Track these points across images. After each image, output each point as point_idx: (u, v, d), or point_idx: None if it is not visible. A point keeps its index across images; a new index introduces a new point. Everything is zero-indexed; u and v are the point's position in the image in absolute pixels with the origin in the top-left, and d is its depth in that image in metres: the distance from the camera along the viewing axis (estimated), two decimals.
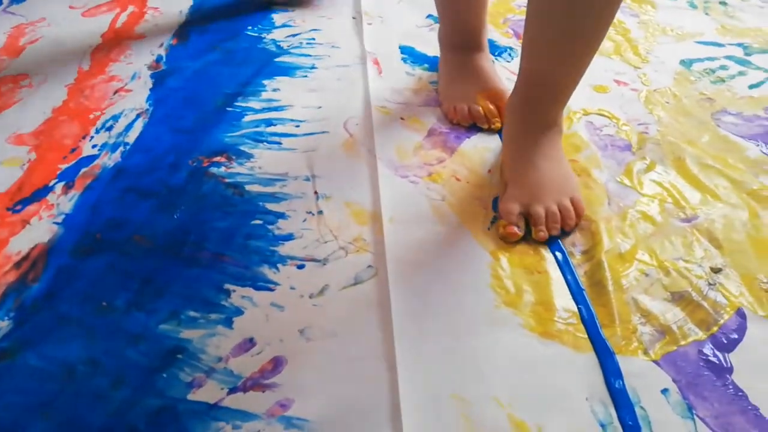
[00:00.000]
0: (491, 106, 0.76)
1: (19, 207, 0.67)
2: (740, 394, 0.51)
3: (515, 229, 0.63)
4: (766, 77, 0.86)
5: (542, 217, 0.64)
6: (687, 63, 0.89)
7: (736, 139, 0.75)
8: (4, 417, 0.49)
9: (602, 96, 0.83)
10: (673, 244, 0.63)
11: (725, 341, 0.54)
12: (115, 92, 0.84)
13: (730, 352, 0.54)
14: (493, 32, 0.94)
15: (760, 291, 0.58)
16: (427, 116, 0.79)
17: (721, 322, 0.56)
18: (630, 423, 0.48)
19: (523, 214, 0.64)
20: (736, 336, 0.55)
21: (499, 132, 0.76)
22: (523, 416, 0.49)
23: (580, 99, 0.80)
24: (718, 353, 0.53)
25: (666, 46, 0.92)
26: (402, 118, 0.79)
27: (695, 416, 0.49)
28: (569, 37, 0.61)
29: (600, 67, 0.87)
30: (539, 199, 0.64)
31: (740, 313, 0.57)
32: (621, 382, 0.51)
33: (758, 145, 0.75)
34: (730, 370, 0.52)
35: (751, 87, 0.84)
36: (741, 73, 0.87)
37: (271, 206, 0.67)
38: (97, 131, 0.77)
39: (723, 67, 0.88)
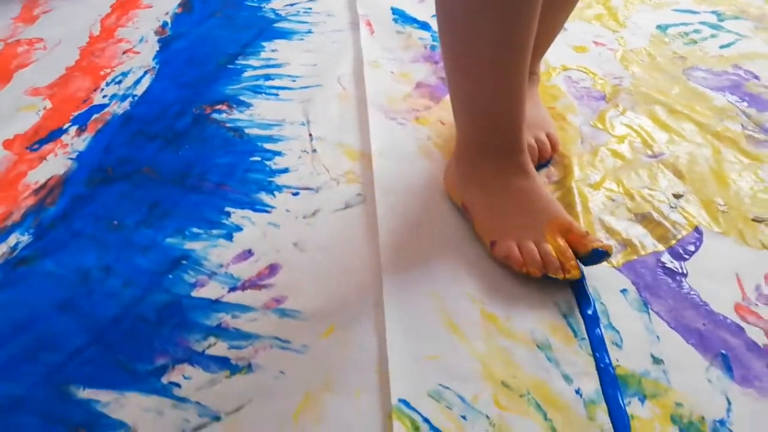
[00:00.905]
0: (562, 243, 0.57)
1: (36, 146, 0.74)
2: (692, 293, 0.57)
3: None
4: (736, 39, 0.93)
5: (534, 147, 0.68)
6: (663, 27, 0.96)
7: (704, 91, 0.82)
8: (26, 312, 0.56)
9: (581, 55, 0.90)
10: (640, 175, 0.70)
11: (682, 252, 0.61)
12: (124, 53, 0.91)
13: (686, 261, 0.60)
14: None
15: (717, 212, 0.65)
16: (416, 71, 0.86)
17: (679, 237, 0.62)
18: (589, 314, 0.55)
19: None
20: (692, 248, 0.61)
21: None
22: (493, 310, 0.56)
23: (559, 57, 0.87)
24: (674, 261, 0.60)
25: (643, 13, 0.99)
26: (392, 72, 0.86)
27: (650, 310, 0.55)
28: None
29: (580, 31, 0.94)
30: None
31: (698, 230, 0.63)
32: (584, 283, 0.57)
33: (725, 95, 0.81)
34: (684, 275, 0.59)
35: (722, 47, 0.91)
36: (713, 36, 0.94)
37: (268, 146, 0.74)
38: (108, 84, 0.85)
39: (696, 31, 0.95)
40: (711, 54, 0.90)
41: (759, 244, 0.62)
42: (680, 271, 0.59)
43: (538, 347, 0.53)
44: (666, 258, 0.60)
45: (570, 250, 0.57)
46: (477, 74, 0.57)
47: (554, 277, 0.56)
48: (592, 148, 0.73)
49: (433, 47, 0.91)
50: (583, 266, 0.57)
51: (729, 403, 0.49)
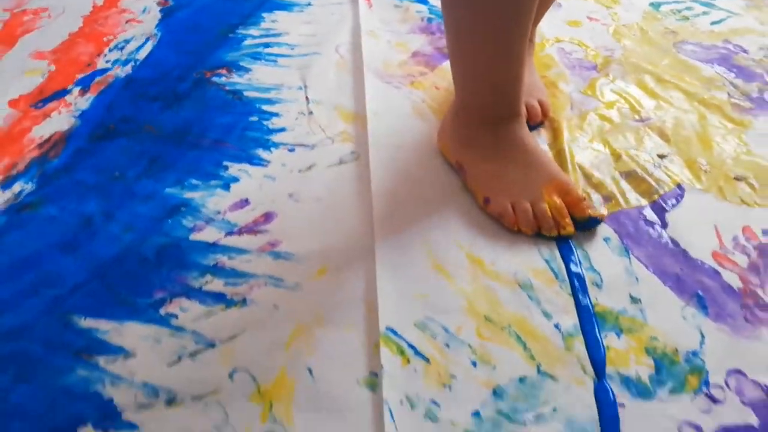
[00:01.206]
0: (559, 202, 0.60)
1: (40, 104, 0.77)
2: (672, 242, 0.60)
3: None
4: (727, 16, 0.95)
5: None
6: (656, 5, 0.99)
7: (694, 63, 0.85)
8: (29, 251, 0.59)
9: (575, 29, 0.92)
10: (626, 137, 0.72)
11: (664, 205, 0.63)
12: (127, 22, 0.94)
13: (667, 213, 0.62)
14: None
15: (699, 171, 0.67)
16: (413, 41, 0.89)
17: (662, 192, 0.65)
18: (572, 258, 0.57)
19: None
20: (674, 202, 0.64)
21: None
22: (480, 255, 0.58)
23: (553, 30, 0.90)
24: (656, 214, 0.62)
25: None
26: (389, 41, 0.88)
27: (630, 255, 0.58)
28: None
29: (574, 7, 0.97)
30: None
31: (680, 187, 0.66)
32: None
33: (713, 67, 0.84)
34: (665, 225, 0.61)
35: (713, 23, 0.94)
36: (705, 13, 0.96)
37: (266, 107, 0.77)
38: (110, 50, 0.87)
39: (688, 8, 0.98)
40: (702, 30, 0.92)
41: (738, 200, 0.64)
42: (661, 222, 0.62)
43: (521, 287, 0.55)
44: (648, 211, 0.63)
45: (566, 209, 0.59)
46: (480, 38, 0.58)
47: (547, 235, 0.59)
48: (581, 113, 0.76)
49: (429, 20, 0.94)
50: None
51: (702, 336, 0.51)
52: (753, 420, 0.46)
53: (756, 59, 0.86)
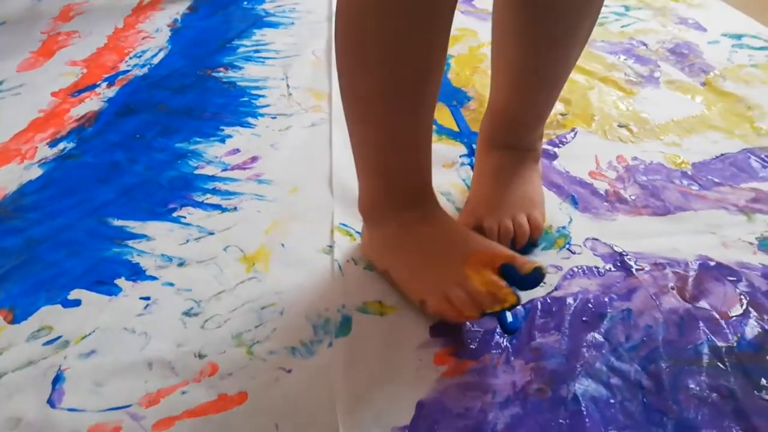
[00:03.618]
0: (488, 275, 0.56)
1: (76, 94, 1.00)
2: (559, 166, 0.81)
3: None
4: (636, 21, 1.19)
5: (494, 231, 0.65)
6: None
7: (600, 53, 1.08)
8: (72, 183, 0.80)
9: None
10: None
11: (557, 142, 0.85)
12: (143, 38, 1.19)
13: (559, 148, 0.84)
14: None
15: (591, 120, 0.89)
16: None
17: (560, 132, 0.87)
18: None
19: (476, 229, 0.66)
20: (566, 140, 0.85)
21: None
22: None
23: (489, 34, 1.14)
24: (550, 147, 0.84)
25: None
26: None
27: None
28: (530, 76, 0.65)
29: None
30: (492, 213, 0.66)
31: (573, 130, 0.87)
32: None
33: (617, 56, 1.07)
34: (555, 156, 0.83)
35: (623, 26, 1.18)
36: (617, 20, 1.20)
37: (255, 92, 1.00)
38: (131, 58, 1.11)
39: (604, 17, 1.22)
40: (612, 31, 1.16)
41: (618, 139, 0.86)
42: (552, 153, 0.83)
43: (442, 194, 0.76)
44: (546, 146, 0.84)
45: (498, 279, 0.55)
46: (371, 122, 0.56)
47: (493, 311, 0.55)
48: None
49: None
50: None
51: (571, 219, 0.72)
52: (600, 263, 0.66)
53: (653, 50, 1.09)
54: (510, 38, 0.63)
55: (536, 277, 0.56)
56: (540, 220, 0.68)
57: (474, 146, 0.84)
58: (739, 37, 1.11)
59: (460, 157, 0.83)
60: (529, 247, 0.68)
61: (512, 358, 0.57)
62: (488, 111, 0.73)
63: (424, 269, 0.59)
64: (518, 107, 0.69)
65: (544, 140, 0.85)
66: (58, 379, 0.56)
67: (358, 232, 0.71)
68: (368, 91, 0.54)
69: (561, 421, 0.52)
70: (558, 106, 0.93)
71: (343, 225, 0.72)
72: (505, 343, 0.58)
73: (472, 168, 0.81)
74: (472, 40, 1.12)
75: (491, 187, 0.70)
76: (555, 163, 0.82)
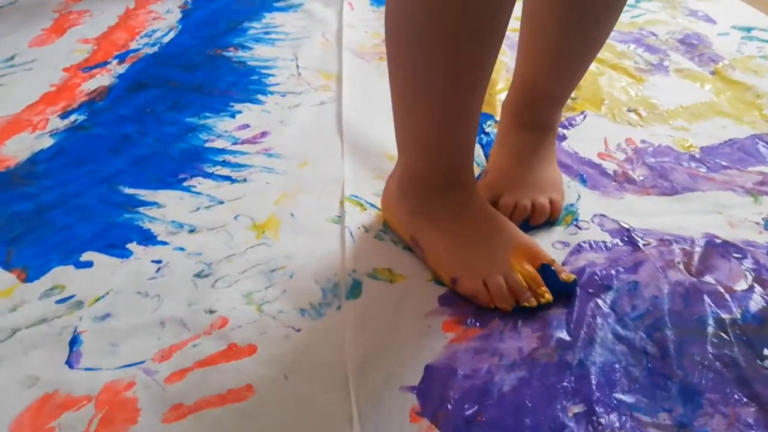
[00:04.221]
0: (531, 270, 0.59)
1: (87, 69, 1.02)
2: (568, 147, 0.82)
3: None
4: (646, 12, 1.21)
5: (509, 208, 0.66)
6: None
7: (610, 42, 1.09)
8: (84, 153, 0.82)
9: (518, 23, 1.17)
10: None
11: (567, 124, 0.86)
12: (154, 18, 1.20)
13: (568, 130, 0.85)
14: None
15: (601, 104, 0.91)
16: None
17: (568, 115, 0.88)
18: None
19: (491, 202, 0.65)
20: (576, 122, 0.87)
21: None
22: None
23: None
24: (559, 129, 0.85)
25: None
26: (365, 32, 1.14)
27: None
28: (561, 50, 0.65)
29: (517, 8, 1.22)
30: (512, 191, 0.67)
31: (583, 113, 0.89)
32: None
33: (627, 45, 1.09)
34: (564, 137, 0.84)
35: (633, 17, 1.19)
36: (627, 11, 1.22)
37: (265, 71, 1.02)
38: (141, 37, 1.13)
39: None
40: (623, 21, 1.17)
41: (626, 122, 0.87)
42: (561, 134, 0.84)
43: None
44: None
45: (539, 276, 0.58)
46: (430, 98, 0.55)
47: (527, 306, 0.57)
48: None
49: None
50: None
51: (579, 196, 0.73)
52: (607, 238, 0.68)
53: (663, 40, 1.10)
54: (552, 13, 0.63)
55: (572, 286, 0.60)
56: (560, 201, 0.69)
57: (485, 126, 0.86)
58: (748, 29, 1.13)
59: None
60: (544, 225, 0.69)
61: (519, 325, 0.58)
62: (514, 86, 0.73)
63: (462, 248, 0.60)
64: (550, 82, 0.69)
65: None
66: (75, 342, 0.57)
67: (369, 203, 0.72)
68: (431, 66, 0.52)
69: (566, 384, 0.53)
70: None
71: (354, 196, 0.73)
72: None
73: (482, 146, 0.82)
74: None
75: (513, 164, 0.70)
76: (564, 144, 0.83)
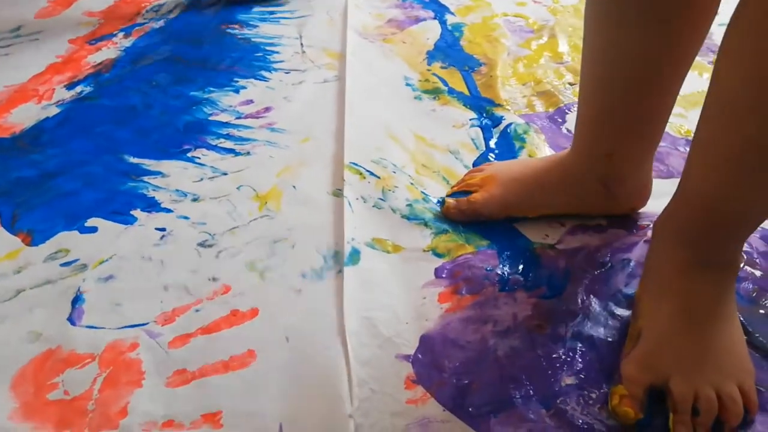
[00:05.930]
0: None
1: (93, 42, 1.02)
2: (567, 130, 0.83)
3: (633, 409, 0.48)
4: None
5: (687, 401, 0.47)
6: None
7: None
8: (90, 123, 0.82)
9: (521, 8, 1.18)
10: (547, 74, 0.96)
11: (565, 110, 0.87)
12: None
13: (567, 115, 0.86)
14: None
15: None
16: (389, 13, 1.14)
17: (566, 102, 0.88)
18: (490, 137, 0.80)
19: (655, 388, 0.49)
20: (567, 112, 0.87)
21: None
22: (423, 134, 0.81)
23: (502, 7, 1.15)
24: (558, 116, 0.86)
25: None
26: (370, 13, 1.14)
27: (536, 135, 0.81)
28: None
29: None
30: (688, 374, 0.48)
31: None
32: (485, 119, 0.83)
33: None
34: (563, 123, 0.84)
35: None
36: None
37: (269, 48, 1.02)
38: (147, 11, 1.13)
39: None
40: None
41: None
42: (561, 119, 0.85)
43: (450, 152, 0.78)
44: (552, 114, 0.86)
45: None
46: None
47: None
48: (515, 58, 1.00)
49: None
50: None
51: None
52: (602, 221, 0.68)
53: None
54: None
55: None
56: (753, 389, 0.48)
57: (485, 110, 0.86)
58: None
59: (470, 120, 0.85)
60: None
61: (515, 290, 0.59)
62: (682, 197, 0.52)
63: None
64: (735, 203, 0.48)
65: (551, 109, 0.87)
66: (77, 300, 0.58)
67: (368, 171, 0.73)
68: None
69: (557, 355, 0.54)
70: (567, 76, 0.95)
71: (354, 164, 0.74)
72: (507, 278, 0.60)
73: (482, 129, 0.83)
74: (485, 11, 1.14)
75: (678, 328, 0.50)
76: (562, 127, 0.83)
